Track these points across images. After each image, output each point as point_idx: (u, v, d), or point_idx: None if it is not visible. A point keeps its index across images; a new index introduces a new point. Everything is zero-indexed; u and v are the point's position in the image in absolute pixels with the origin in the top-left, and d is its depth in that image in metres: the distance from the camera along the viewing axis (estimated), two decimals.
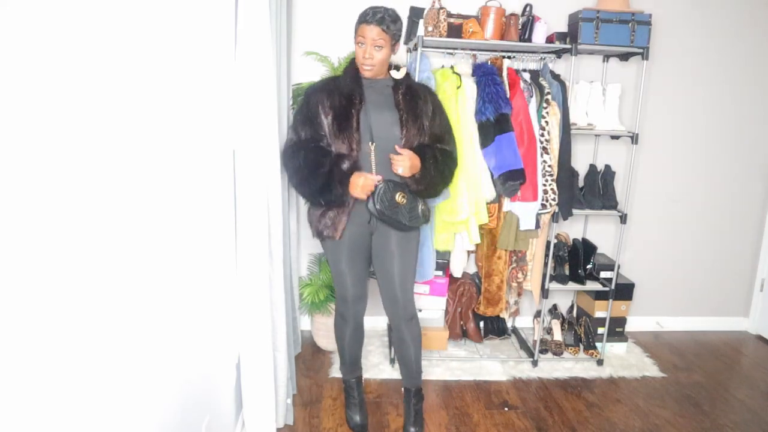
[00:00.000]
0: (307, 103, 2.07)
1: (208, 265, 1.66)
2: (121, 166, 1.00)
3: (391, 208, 1.99)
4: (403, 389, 2.33)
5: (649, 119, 3.23)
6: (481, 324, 3.15)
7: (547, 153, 2.65)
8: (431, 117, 2.13)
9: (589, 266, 3.00)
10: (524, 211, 2.67)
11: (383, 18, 1.97)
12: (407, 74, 2.17)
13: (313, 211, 2.14)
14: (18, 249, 0.69)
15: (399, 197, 2.00)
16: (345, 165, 1.97)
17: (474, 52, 2.82)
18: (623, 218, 2.85)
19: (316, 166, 1.98)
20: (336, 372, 2.75)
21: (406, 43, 2.91)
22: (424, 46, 2.67)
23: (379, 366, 2.79)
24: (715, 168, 3.35)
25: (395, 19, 2.02)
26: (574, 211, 2.82)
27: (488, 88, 2.54)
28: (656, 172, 3.30)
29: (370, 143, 2.01)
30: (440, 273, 2.90)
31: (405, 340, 2.20)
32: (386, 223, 2.05)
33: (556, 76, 2.74)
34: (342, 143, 2.00)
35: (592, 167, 3.01)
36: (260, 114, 1.82)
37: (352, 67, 2.12)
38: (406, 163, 1.98)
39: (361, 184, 1.96)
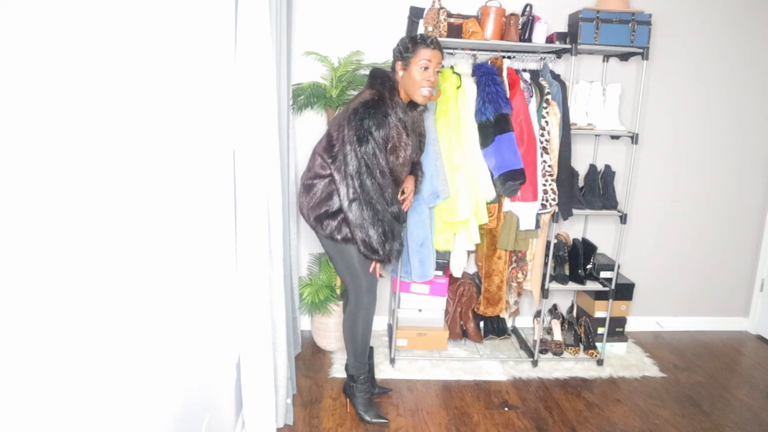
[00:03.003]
0: (378, 134, 2.00)
1: (208, 265, 1.66)
2: (122, 166, 1.00)
3: None
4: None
5: (649, 119, 3.23)
6: (481, 324, 3.15)
7: (547, 153, 2.65)
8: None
9: (589, 266, 3.00)
10: (524, 211, 2.67)
11: (439, 44, 2.09)
12: None
13: (318, 207, 2.15)
14: (19, 250, 0.69)
15: None
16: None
17: (474, 52, 2.82)
18: (623, 218, 2.85)
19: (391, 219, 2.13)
20: (336, 372, 2.75)
21: None
22: None
23: (379, 366, 2.79)
24: (715, 168, 3.35)
25: None
26: (574, 211, 2.81)
27: (488, 88, 2.54)
28: (656, 172, 3.30)
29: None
30: (440, 273, 2.90)
31: None
32: None
33: (556, 76, 2.74)
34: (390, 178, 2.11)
35: (592, 167, 3.01)
36: (260, 114, 1.82)
37: (392, 86, 2.10)
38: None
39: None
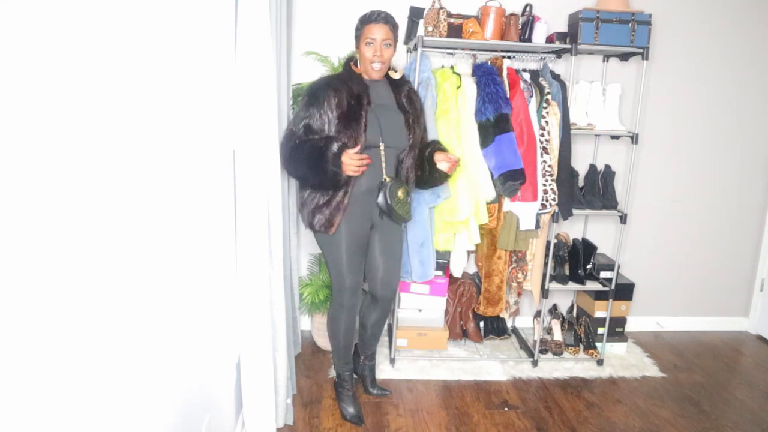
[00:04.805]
0: (315, 98, 2.07)
1: (208, 265, 1.66)
2: (122, 166, 1.00)
3: (396, 202, 2.10)
4: (362, 358, 2.56)
5: (649, 119, 3.23)
6: (481, 324, 3.15)
7: (547, 153, 2.65)
8: (422, 115, 2.30)
9: (589, 266, 3.00)
10: (524, 211, 2.67)
11: (388, 17, 2.08)
12: (403, 75, 2.28)
13: (308, 204, 2.17)
14: (18, 251, 0.69)
15: (401, 193, 2.12)
16: (334, 147, 1.99)
17: (474, 52, 2.82)
18: (623, 218, 2.85)
19: (311, 151, 2.03)
20: None
21: (406, 43, 2.92)
22: (424, 46, 2.67)
23: (379, 366, 2.79)
24: (715, 168, 3.35)
25: (395, 20, 2.13)
26: (574, 211, 2.81)
27: (488, 88, 2.54)
28: (656, 172, 3.30)
29: (381, 144, 2.09)
30: (440, 273, 2.90)
31: (378, 308, 2.39)
32: (390, 217, 2.15)
33: (556, 76, 2.74)
34: (346, 141, 2.04)
35: (592, 167, 3.01)
36: (260, 114, 1.82)
37: (352, 64, 2.17)
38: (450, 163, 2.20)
39: (352, 162, 1.99)
